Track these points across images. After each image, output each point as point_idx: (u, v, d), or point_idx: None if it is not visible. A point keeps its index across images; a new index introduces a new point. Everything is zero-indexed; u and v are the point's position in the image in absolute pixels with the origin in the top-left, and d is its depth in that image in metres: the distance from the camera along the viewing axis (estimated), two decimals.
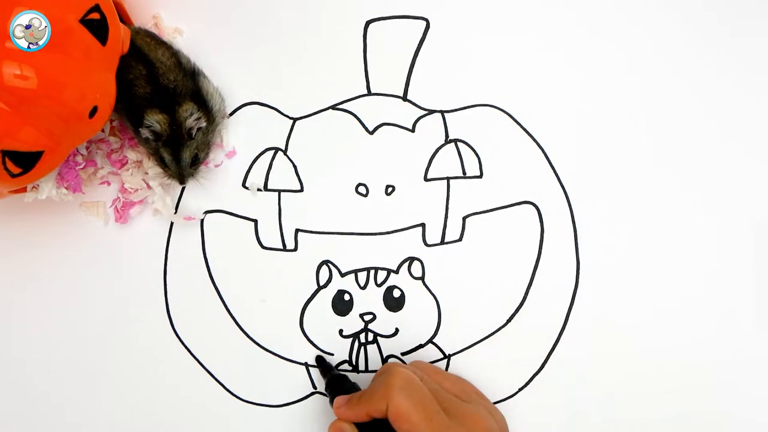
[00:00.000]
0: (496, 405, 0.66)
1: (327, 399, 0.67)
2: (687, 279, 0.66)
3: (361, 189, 0.67)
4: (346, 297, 0.67)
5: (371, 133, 0.67)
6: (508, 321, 0.67)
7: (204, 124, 0.62)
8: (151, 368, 0.67)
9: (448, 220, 0.67)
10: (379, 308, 0.67)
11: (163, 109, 0.61)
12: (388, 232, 0.67)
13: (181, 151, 0.62)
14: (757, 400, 0.66)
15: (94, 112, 0.56)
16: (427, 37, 0.67)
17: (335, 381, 0.62)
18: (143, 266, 0.67)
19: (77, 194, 0.66)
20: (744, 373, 0.66)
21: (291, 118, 0.67)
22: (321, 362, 0.66)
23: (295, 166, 0.67)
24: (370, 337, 0.67)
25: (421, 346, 0.67)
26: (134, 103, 0.61)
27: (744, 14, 0.67)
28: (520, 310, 0.67)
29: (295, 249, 0.67)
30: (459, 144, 0.67)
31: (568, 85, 0.67)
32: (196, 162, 0.64)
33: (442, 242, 0.67)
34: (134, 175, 0.67)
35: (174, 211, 0.67)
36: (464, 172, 0.67)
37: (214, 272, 0.67)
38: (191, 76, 0.63)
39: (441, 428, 0.54)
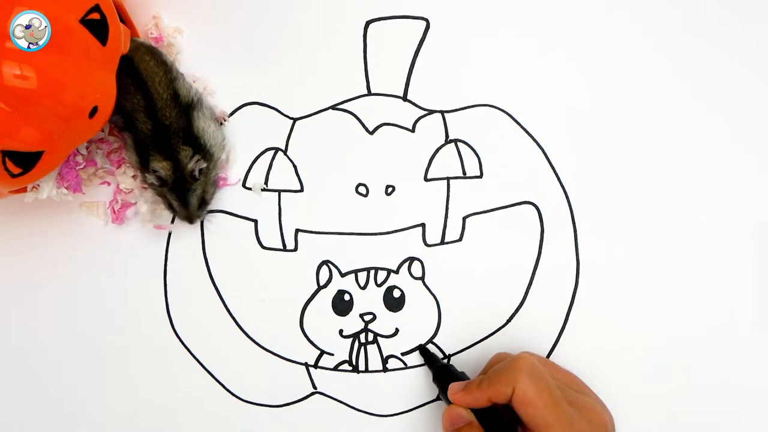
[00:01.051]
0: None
1: (326, 398, 0.67)
2: (687, 279, 0.66)
3: (361, 189, 0.67)
4: (346, 297, 0.67)
5: (371, 133, 0.67)
6: (508, 321, 0.67)
7: (204, 165, 0.62)
8: (151, 368, 0.67)
9: (448, 220, 0.67)
10: (379, 308, 0.67)
11: (165, 152, 0.61)
12: (388, 232, 0.67)
13: (188, 196, 0.62)
14: (756, 400, 0.66)
15: (94, 112, 0.56)
16: (427, 37, 0.67)
17: (444, 370, 0.63)
18: (143, 266, 0.67)
19: (77, 194, 0.66)
20: (743, 373, 0.66)
21: (291, 118, 0.67)
22: (426, 353, 0.66)
23: (295, 166, 0.67)
24: (370, 337, 0.67)
25: (421, 346, 0.67)
26: (138, 139, 0.62)
27: (744, 14, 0.67)
28: (520, 310, 0.67)
29: (295, 249, 0.67)
30: (459, 144, 0.67)
31: (569, 85, 0.67)
32: (204, 204, 0.64)
33: (442, 242, 0.67)
34: (129, 176, 0.67)
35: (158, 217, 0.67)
36: (464, 172, 0.67)
37: (214, 272, 0.67)
38: (186, 110, 0.62)
39: (565, 416, 0.54)
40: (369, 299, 0.67)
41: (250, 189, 0.67)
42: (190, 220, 0.64)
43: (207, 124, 0.63)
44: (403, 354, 0.67)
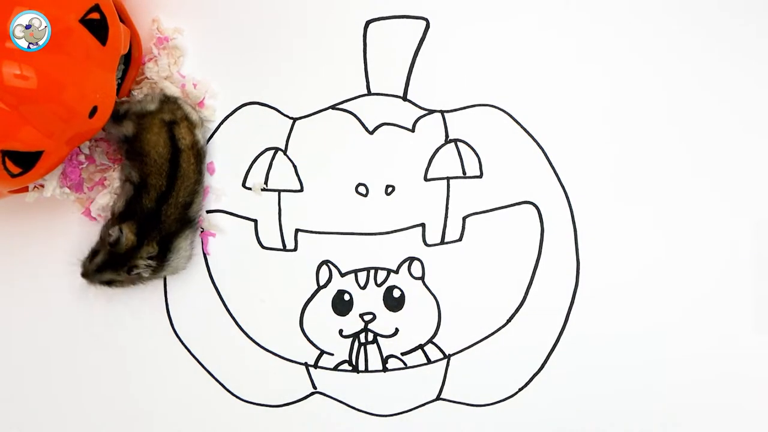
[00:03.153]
0: (496, 405, 0.66)
1: (326, 398, 0.67)
2: (687, 278, 0.66)
3: (361, 189, 0.67)
4: (346, 297, 0.67)
5: (371, 133, 0.67)
6: (508, 321, 0.67)
7: (147, 274, 0.63)
8: (151, 368, 0.67)
9: (448, 220, 0.67)
10: (379, 308, 0.67)
11: (140, 230, 0.62)
12: (388, 232, 0.67)
13: (111, 268, 0.62)
14: (757, 399, 0.66)
15: (94, 112, 0.56)
16: (427, 37, 0.67)
17: None
18: None
19: (79, 194, 0.66)
20: (743, 372, 0.66)
21: (291, 118, 0.67)
22: None
23: (295, 166, 0.67)
24: (370, 337, 0.67)
25: (421, 346, 0.67)
26: (134, 196, 0.62)
27: (751, 18, 0.67)
28: (520, 310, 0.67)
29: (295, 249, 0.67)
30: (459, 144, 0.67)
31: (569, 84, 0.67)
32: (108, 282, 0.64)
33: (442, 242, 0.67)
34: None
35: None
36: (464, 172, 0.67)
37: (214, 272, 0.67)
38: (183, 222, 0.63)
39: None
40: (369, 299, 0.67)
41: (250, 189, 0.67)
42: (85, 275, 0.64)
43: (185, 246, 0.64)
44: (403, 354, 0.67)
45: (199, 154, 0.64)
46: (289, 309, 0.67)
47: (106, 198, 0.65)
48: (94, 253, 0.64)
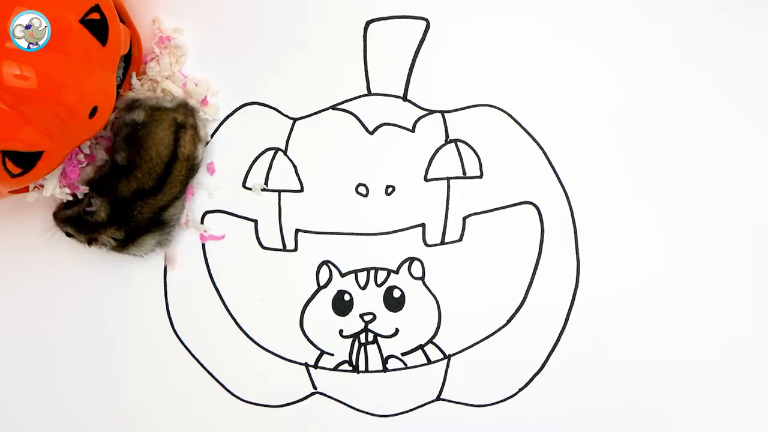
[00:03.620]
0: (496, 405, 0.66)
1: (326, 398, 0.67)
2: (687, 278, 0.66)
3: (361, 189, 0.67)
4: (346, 297, 0.67)
5: (371, 133, 0.67)
6: (508, 321, 0.67)
7: (109, 245, 0.64)
8: (151, 368, 0.67)
9: (448, 220, 0.67)
10: (379, 308, 0.67)
11: (113, 210, 0.62)
12: (388, 232, 0.67)
13: (78, 226, 0.63)
14: (757, 400, 0.66)
15: (94, 112, 0.56)
16: (427, 37, 0.67)
17: None
18: (143, 266, 0.67)
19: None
20: (743, 371, 0.66)
21: (291, 118, 0.67)
22: None
23: (295, 166, 0.67)
24: (370, 337, 0.67)
25: (421, 347, 0.67)
26: (112, 176, 0.63)
27: (751, 18, 0.67)
28: (520, 310, 0.67)
29: (295, 249, 0.67)
30: (459, 144, 0.67)
31: (569, 84, 0.67)
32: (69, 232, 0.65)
33: (442, 242, 0.67)
34: None
35: None
36: (464, 172, 0.67)
37: (214, 272, 0.67)
38: (156, 221, 0.64)
39: None
40: (369, 299, 0.67)
41: (250, 189, 0.67)
42: (54, 216, 0.64)
43: (150, 243, 0.65)
44: (403, 354, 0.67)
45: (192, 169, 0.64)
46: (289, 309, 0.67)
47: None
48: (69, 204, 0.64)
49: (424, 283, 0.67)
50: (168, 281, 0.67)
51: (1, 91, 0.51)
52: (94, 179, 0.64)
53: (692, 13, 0.67)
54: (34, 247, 0.67)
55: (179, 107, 0.64)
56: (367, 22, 0.67)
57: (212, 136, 0.67)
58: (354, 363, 0.67)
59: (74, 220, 0.63)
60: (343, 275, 0.67)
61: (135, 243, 0.64)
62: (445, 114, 0.67)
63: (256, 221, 0.67)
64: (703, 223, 0.67)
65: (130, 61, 0.65)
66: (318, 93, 0.67)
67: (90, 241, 0.64)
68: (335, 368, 0.67)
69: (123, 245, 0.64)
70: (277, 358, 0.67)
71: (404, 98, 0.67)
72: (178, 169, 0.63)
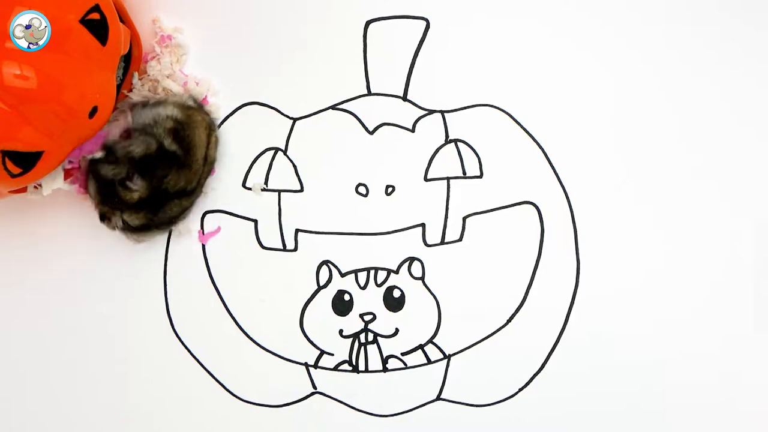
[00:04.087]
0: (496, 405, 0.66)
1: (326, 398, 0.67)
2: (687, 278, 0.66)
3: (361, 189, 0.67)
4: (346, 297, 0.67)
5: (371, 133, 0.67)
6: (508, 321, 0.67)
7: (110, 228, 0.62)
8: (151, 368, 0.67)
9: (448, 220, 0.67)
10: (379, 308, 0.67)
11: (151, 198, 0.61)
12: (388, 232, 0.67)
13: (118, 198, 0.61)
14: (757, 399, 0.66)
15: (94, 112, 0.56)
16: (427, 37, 0.67)
17: None
18: (143, 266, 0.67)
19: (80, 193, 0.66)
20: (743, 371, 0.66)
21: (291, 118, 0.67)
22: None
23: (295, 166, 0.67)
24: (370, 337, 0.67)
25: (421, 346, 0.67)
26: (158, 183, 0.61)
27: (751, 18, 0.67)
28: (520, 310, 0.67)
29: (295, 249, 0.67)
30: (459, 144, 0.67)
31: (569, 84, 0.67)
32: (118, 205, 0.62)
33: (442, 242, 0.67)
34: None
35: None
36: (464, 172, 0.67)
37: (214, 272, 0.67)
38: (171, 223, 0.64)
39: None
40: (369, 299, 0.67)
41: (250, 189, 0.67)
42: (91, 163, 0.60)
43: (151, 235, 0.64)
44: (403, 354, 0.67)
45: (208, 173, 0.65)
46: (289, 309, 0.67)
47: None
48: (108, 160, 0.60)
49: (424, 283, 0.67)
50: (168, 281, 0.67)
51: (1, 91, 0.51)
52: (139, 158, 0.60)
53: (692, 13, 0.67)
54: (34, 247, 0.68)
55: (200, 107, 0.63)
56: (367, 22, 0.67)
57: None
58: (354, 363, 0.67)
59: (105, 184, 0.60)
60: (343, 275, 0.67)
61: (142, 234, 0.63)
62: (445, 114, 0.67)
63: (256, 221, 0.67)
64: (703, 223, 0.67)
65: (130, 61, 0.65)
66: (318, 93, 0.67)
67: (102, 217, 0.61)
68: (335, 368, 0.67)
69: (130, 230, 0.62)
70: (277, 358, 0.67)
71: (404, 98, 0.67)
72: (206, 172, 0.63)
